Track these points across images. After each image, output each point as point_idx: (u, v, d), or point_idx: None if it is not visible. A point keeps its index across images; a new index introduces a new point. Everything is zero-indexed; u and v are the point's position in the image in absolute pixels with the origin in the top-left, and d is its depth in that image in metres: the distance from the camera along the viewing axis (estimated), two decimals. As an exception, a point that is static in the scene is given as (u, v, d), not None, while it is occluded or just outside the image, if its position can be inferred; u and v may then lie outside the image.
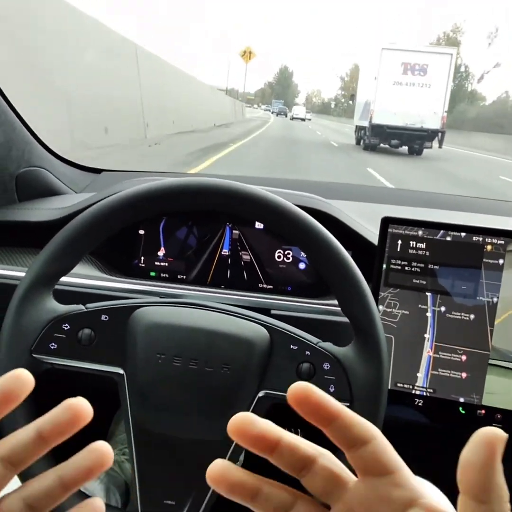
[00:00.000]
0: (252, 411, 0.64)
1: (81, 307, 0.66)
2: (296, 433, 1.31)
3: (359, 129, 18.70)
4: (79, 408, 0.32)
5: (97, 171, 1.39)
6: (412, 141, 16.39)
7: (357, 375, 0.63)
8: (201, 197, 0.64)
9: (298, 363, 0.65)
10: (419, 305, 0.88)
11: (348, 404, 0.63)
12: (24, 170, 1.12)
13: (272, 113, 73.51)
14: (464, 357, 0.87)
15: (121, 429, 1.44)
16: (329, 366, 0.64)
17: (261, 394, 0.65)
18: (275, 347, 0.66)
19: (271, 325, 0.67)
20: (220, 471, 0.32)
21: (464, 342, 0.87)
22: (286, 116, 61.10)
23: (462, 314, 0.87)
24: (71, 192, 1.25)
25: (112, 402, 0.71)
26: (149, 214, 0.66)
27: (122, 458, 1.30)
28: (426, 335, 0.88)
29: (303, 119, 56.27)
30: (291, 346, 0.65)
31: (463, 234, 0.85)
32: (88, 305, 0.67)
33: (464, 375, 0.86)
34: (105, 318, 0.66)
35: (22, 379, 0.32)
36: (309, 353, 0.65)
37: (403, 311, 0.88)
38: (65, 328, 0.64)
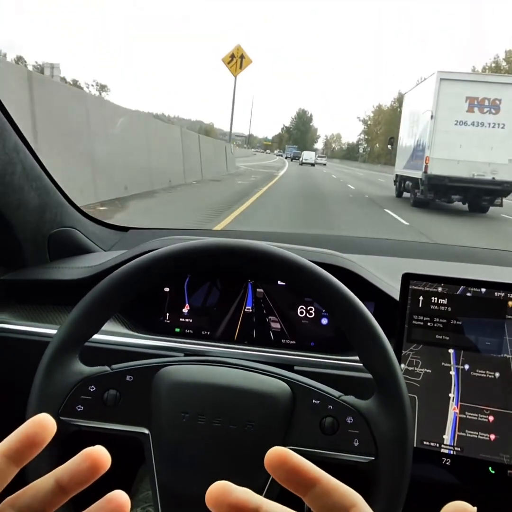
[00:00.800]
0: None
1: (106, 368, 0.68)
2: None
3: (402, 179, 15.76)
4: (97, 456, 0.32)
5: (125, 229, 1.44)
6: (479, 196, 12.68)
7: (381, 429, 0.63)
8: (222, 259, 0.67)
9: (321, 417, 0.65)
10: (442, 363, 0.87)
11: (373, 458, 0.62)
12: (56, 231, 1.17)
13: (286, 158, 78.02)
14: (491, 418, 0.85)
15: (144, 486, 1.42)
16: (352, 420, 0.64)
17: None
18: (298, 402, 0.66)
19: (292, 380, 0.68)
20: (220, 491, 0.31)
21: (491, 402, 0.85)
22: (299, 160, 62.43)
23: (487, 372, 0.85)
24: (100, 250, 1.29)
25: (135, 459, 0.72)
26: (171, 275, 0.69)
27: (145, 517, 1.28)
28: (451, 395, 0.86)
29: (312, 164, 57.60)
30: (314, 401, 0.66)
31: (484, 289, 0.86)
32: (113, 366, 0.68)
33: (492, 437, 0.84)
34: (130, 378, 0.67)
35: (45, 424, 0.32)
36: (331, 407, 0.65)
37: (425, 370, 0.87)
38: (91, 390, 0.66)
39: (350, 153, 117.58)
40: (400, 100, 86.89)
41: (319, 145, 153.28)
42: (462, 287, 0.87)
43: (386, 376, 0.63)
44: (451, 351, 0.87)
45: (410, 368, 0.88)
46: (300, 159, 61.95)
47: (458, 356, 0.87)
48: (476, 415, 0.85)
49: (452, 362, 0.87)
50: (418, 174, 12.98)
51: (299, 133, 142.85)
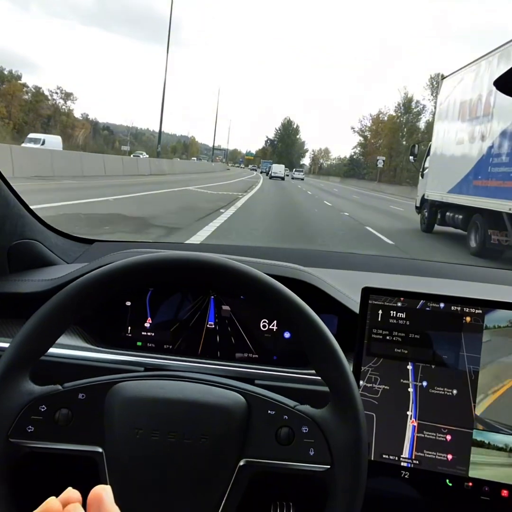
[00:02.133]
0: (234, 481, 0.64)
1: (58, 387, 0.66)
2: (288, 506, 1.28)
3: (436, 207, 11.00)
4: None
5: (89, 241, 1.42)
6: None
7: (336, 437, 0.63)
8: (181, 272, 0.67)
9: (276, 428, 0.65)
10: (401, 380, 0.87)
11: (329, 466, 0.63)
12: (17, 242, 1.15)
13: (262, 173, 75.08)
14: (449, 437, 0.85)
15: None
16: (307, 429, 0.64)
17: (242, 463, 0.64)
18: (253, 413, 0.66)
19: (248, 392, 0.68)
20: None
21: (448, 420, 0.86)
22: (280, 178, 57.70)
23: (445, 389, 0.86)
24: (63, 262, 1.27)
25: (93, 478, 0.70)
26: (125, 288, 0.68)
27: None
28: (409, 412, 0.87)
29: (282, 178, 55.58)
30: (269, 411, 0.66)
31: (442, 304, 0.87)
32: (65, 384, 0.67)
33: (450, 457, 0.85)
34: (82, 396, 0.66)
35: None
36: (287, 417, 0.65)
37: (384, 386, 0.88)
38: (42, 410, 0.64)
39: (343, 169, 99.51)
40: (407, 105, 73.32)
41: (306, 160, 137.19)
42: (421, 301, 0.88)
43: (340, 386, 0.64)
44: (409, 367, 0.87)
45: (369, 385, 0.88)
46: (269, 172, 59.98)
47: (416, 372, 0.87)
48: (434, 434, 0.86)
49: (410, 379, 0.87)
50: (505, 206, 7.71)
51: (284, 146, 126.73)
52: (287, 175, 67.01)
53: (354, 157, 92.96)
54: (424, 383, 0.87)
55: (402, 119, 76.23)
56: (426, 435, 0.86)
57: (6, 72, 63.08)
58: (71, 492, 0.38)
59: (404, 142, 70.41)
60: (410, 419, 0.87)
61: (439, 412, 0.86)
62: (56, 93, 71.73)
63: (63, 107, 71.58)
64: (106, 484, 0.64)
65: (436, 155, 11.53)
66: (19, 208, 1.16)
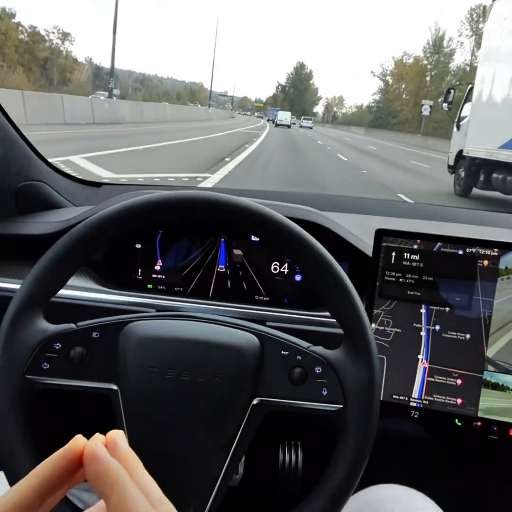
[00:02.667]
0: (247, 419, 0.65)
1: (72, 325, 0.66)
2: (296, 445, 1.32)
3: (472, 165, 9.16)
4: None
5: (97, 184, 1.40)
6: None
7: (349, 377, 0.63)
8: (193, 211, 0.65)
9: (290, 368, 0.65)
10: (414, 324, 0.87)
11: (342, 406, 0.63)
12: (23, 184, 1.14)
13: (269, 120, 70.03)
14: (459, 381, 0.86)
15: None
16: (320, 369, 0.64)
17: (255, 401, 0.65)
18: (266, 354, 0.66)
19: (261, 332, 0.68)
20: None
21: (459, 364, 0.85)
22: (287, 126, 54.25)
23: (458, 333, 0.86)
24: (71, 205, 1.26)
25: (109, 416, 0.71)
26: (133, 229, 0.66)
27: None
28: (420, 356, 0.87)
29: (288, 126, 52.20)
30: (282, 352, 0.66)
31: (457, 246, 0.86)
32: (79, 323, 0.67)
33: (459, 401, 0.86)
34: (96, 335, 0.66)
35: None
36: (300, 358, 0.65)
37: (396, 329, 0.88)
38: (57, 347, 0.65)
39: (368, 118, 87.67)
40: (438, 43, 64.89)
41: (319, 108, 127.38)
42: (437, 243, 0.86)
43: (354, 327, 0.64)
44: (423, 310, 0.86)
45: (381, 328, 0.88)
46: (275, 119, 56.64)
47: (429, 316, 0.87)
48: (445, 378, 0.86)
49: (423, 322, 0.87)
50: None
51: (296, 93, 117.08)
52: (294, 123, 63.55)
53: (374, 105, 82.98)
54: (437, 327, 0.87)
55: (431, 60, 68.60)
56: (436, 379, 0.86)
57: (-1, 9, 58.90)
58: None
59: (432, 88, 63.90)
60: (421, 362, 0.87)
61: (450, 356, 0.86)
62: (53, 33, 68.10)
63: (61, 48, 68.17)
64: (121, 420, 0.66)
65: (481, 102, 9.11)
66: (25, 149, 1.13)
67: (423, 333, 0.87)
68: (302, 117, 71.93)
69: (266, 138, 24.39)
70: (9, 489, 0.34)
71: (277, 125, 51.27)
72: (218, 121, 39.40)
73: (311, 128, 59.42)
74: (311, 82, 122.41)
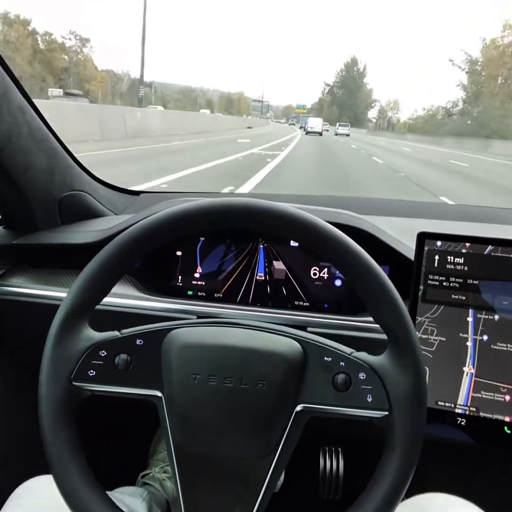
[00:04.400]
0: (291, 426, 0.64)
1: (116, 333, 0.68)
2: (337, 451, 1.31)
3: None
4: None
5: (136, 193, 1.43)
6: None
7: (394, 383, 0.62)
8: (234, 217, 0.65)
9: (333, 374, 0.64)
10: (460, 334, 0.84)
11: (387, 413, 0.62)
12: (67, 194, 1.16)
13: (300, 128, 60.19)
14: (507, 397, 0.82)
15: (162, 447, 1.46)
16: (365, 375, 0.63)
17: (299, 408, 0.64)
18: (309, 360, 0.66)
19: (304, 338, 0.67)
20: None
21: (509, 379, 0.82)
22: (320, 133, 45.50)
23: (508, 345, 0.82)
24: (112, 214, 1.29)
25: (152, 421, 0.72)
26: (177, 237, 0.67)
27: (163, 476, 1.32)
28: (465, 368, 0.84)
29: (320, 133, 45.36)
30: (325, 358, 0.65)
31: (501, 247, 0.84)
32: (123, 330, 0.68)
33: (507, 419, 0.83)
34: (140, 342, 0.67)
35: None
36: (343, 364, 0.64)
37: (440, 338, 0.85)
38: (102, 355, 0.66)
39: (426, 124, 73.47)
40: None
41: (374, 112, 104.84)
42: (479, 245, 0.84)
43: (399, 333, 0.63)
44: (470, 319, 0.84)
45: (424, 337, 0.86)
46: (305, 126, 49.18)
47: (477, 325, 0.83)
48: (492, 394, 0.83)
49: (470, 332, 0.84)
50: None
51: (346, 94, 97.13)
52: (327, 130, 56.78)
53: (453, 107, 61.94)
54: (485, 337, 0.83)
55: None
56: (483, 395, 0.83)
57: (12, 16, 53.89)
58: None
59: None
60: (466, 375, 0.84)
61: (499, 370, 0.82)
62: (70, 39, 61.05)
63: (80, 56, 61.05)
64: (166, 426, 0.67)
65: None
66: (67, 159, 1.16)
67: (469, 344, 0.84)
68: (338, 123, 59.74)
69: (296, 148, 20.14)
70: None
71: (308, 132, 45.38)
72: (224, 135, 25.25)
73: (348, 135, 49.79)
74: (364, 80, 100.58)
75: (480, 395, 0.84)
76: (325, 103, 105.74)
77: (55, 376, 0.64)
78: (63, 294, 0.68)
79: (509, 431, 0.84)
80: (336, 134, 50.13)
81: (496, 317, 0.83)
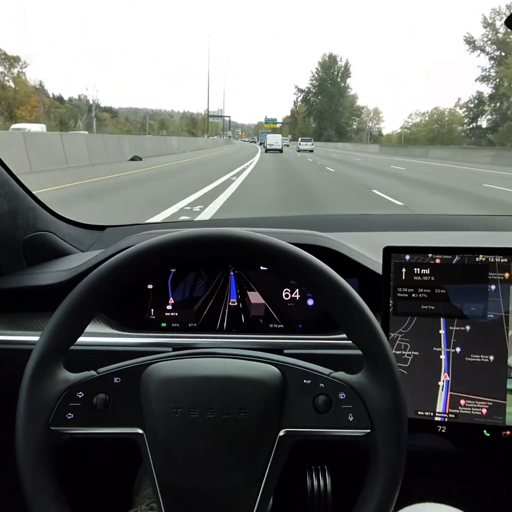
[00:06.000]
0: (276, 452, 0.64)
1: (92, 373, 0.67)
2: (323, 470, 1.31)
3: None
4: None
5: (102, 228, 1.42)
6: None
7: (374, 400, 0.63)
8: (202, 249, 0.66)
9: (313, 396, 0.65)
10: (433, 348, 0.85)
11: (369, 430, 0.63)
12: (31, 236, 1.15)
13: (261, 144, 56.20)
14: (484, 411, 0.84)
15: (147, 483, 1.42)
16: (344, 395, 0.64)
17: (282, 433, 0.65)
18: (289, 384, 0.66)
19: (281, 363, 0.68)
20: None
21: (484, 392, 0.84)
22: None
23: (482, 356, 0.84)
24: (78, 251, 1.27)
25: (135, 457, 0.71)
26: (148, 271, 0.67)
27: (150, 513, 1.29)
28: (441, 377, 0.85)
29: (280, 150, 42.57)
30: (304, 381, 0.66)
31: (466, 256, 0.86)
32: (99, 369, 0.67)
33: (484, 410, 0.85)
34: (118, 380, 0.66)
35: None
36: (323, 385, 0.65)
37: (414, 353, 0.86)
38: (80, 396, 0.65)
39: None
40: None
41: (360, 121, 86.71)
42: (444, 255, 0.87)
43: (374, 349, 0.64)
44: (441, 331, 0.86)
45: (398, 353, 0.87)
46: (265, 144, 45.65)
47: (449, 337, 0.85)
48: (469, 409, 0.85)
49: (442, 345, 0.86)
50: None
51: (325, 100, 76.23)
52: (286, 145, 53.16)
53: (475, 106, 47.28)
54: (458, 349, 0.85)
55: None
56: (461, 411, 0.85)
57: None
58: None
59: None
60: (443, 383, 0.86)
61: (474, 383, 0.84)
62: None
63: (7, 78, 51.48)
64: (149, 463, 0.66)
65: None
66: (29, 201, 1.15)
67: (443, 357, 0.86)
68: (299, 139, 53.53)
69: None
70: None
71: (267, 150, 42.70)
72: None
73: (311, 151, 45.09)
74: (347, 83, 76.89)
75: (457, 411, 0.85)
76: (299, 114, 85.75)
77: (32, 423, 0.63)
78: (36, 338, 0.67)
79: (488, 434, 0.86)
80: (299, 151, 46.06)
81: (468, 327, 0.85)
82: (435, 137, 58.62)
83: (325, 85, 78.72)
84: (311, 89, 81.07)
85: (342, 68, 78.32)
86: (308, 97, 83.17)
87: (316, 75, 79.58)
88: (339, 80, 79.20)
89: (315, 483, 1.37)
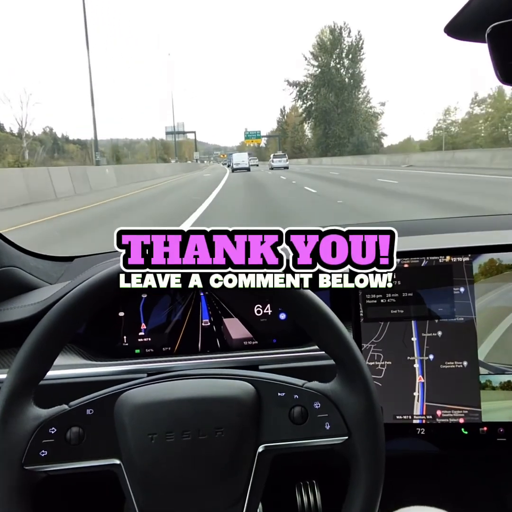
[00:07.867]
0: (256, 468, 0.64)
1: (64, 406, 0.65)
2: (312, 485, 1.29)
3: None
4: None
5: (70, 259, 1.40)
6: None
7: (348, 407, 0.64)
8: None
9: (289, 408, 0.65)
10: (407, 357, 0.86)
11: (346, 437, 0.63)
12: None
13: (228, 166, 50.16)
14: (462, 420, 0.86)
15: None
16: (319, 404, 0.65)
17: (261, 449, 0.64)
18: (263, 398, 0.66)
19: (254, 378, 0.68)
20: None
21: (459, 400, 0.85)
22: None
23: (456, 363, 0.85)
24: (46, 284, 1.25)
25: (118, 489, 0.70)
26: (112, 299, 0.67)
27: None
28: (415, 393, 0.86)
29: (247, 169, 39.49)
30: (279, 394, 0.66)
31: (429, 258, 0.88)
32: (71, 403, 0.66)
33: (462, 420, 0.86)
34: (91, 411, 0.65)
35: None
36: (297, 397, 0.65)
37: (388, 363, 0.87)
38: (52, 432, 0.63)
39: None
40: None
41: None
42: (407, 259, 0.88)
43: (343, 355, 0.64)
44: (413, 339, 0.87)
45: (371, 363, 0.88)
46: (231, 164, 41.94)
47: (421, 344, 0.86)
48: (447, 419, 0.86)
49: (415, 353, 0.87)
50: None
51: (328, 92, 52.92)
52: (256, 165, 47.76)
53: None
54: (431, 356, 0.87)
55: None
56: (438, 421, 0.86)
57: None
58: None
59: None
60: (417, 400, 0.87)
61: (451, 391, 0.86)
62: None
63: None
64: (129, 492, 0.64)
65: None
66: None
67: (416, 365, 0.87)
68: (272, 155, 44.74)
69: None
70: None
71: (234, 169, 38.92)
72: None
73: (286, 168, 38.70)
74: (360, 63, 52.48)
75: (436, 422, 0.86)
76: (289, 125, 64.01)
77: (4, 464, 0.61)
78: (3, 375, 0.65)
79: (466, 432, 0.87)
80: (272, 168, 39.55)
81: (440, 333, 0.87)
82: (502, 136, 41.08)
83: (330, 72, 52.65)
84: (308, 81, 55.83)
85: (353, 46, 51.48)
86: (304, 93, 57.25)
87: (315, 54, 53.92)
88: (346, 58, 52.36)
89: (305, 498, 1.36)
